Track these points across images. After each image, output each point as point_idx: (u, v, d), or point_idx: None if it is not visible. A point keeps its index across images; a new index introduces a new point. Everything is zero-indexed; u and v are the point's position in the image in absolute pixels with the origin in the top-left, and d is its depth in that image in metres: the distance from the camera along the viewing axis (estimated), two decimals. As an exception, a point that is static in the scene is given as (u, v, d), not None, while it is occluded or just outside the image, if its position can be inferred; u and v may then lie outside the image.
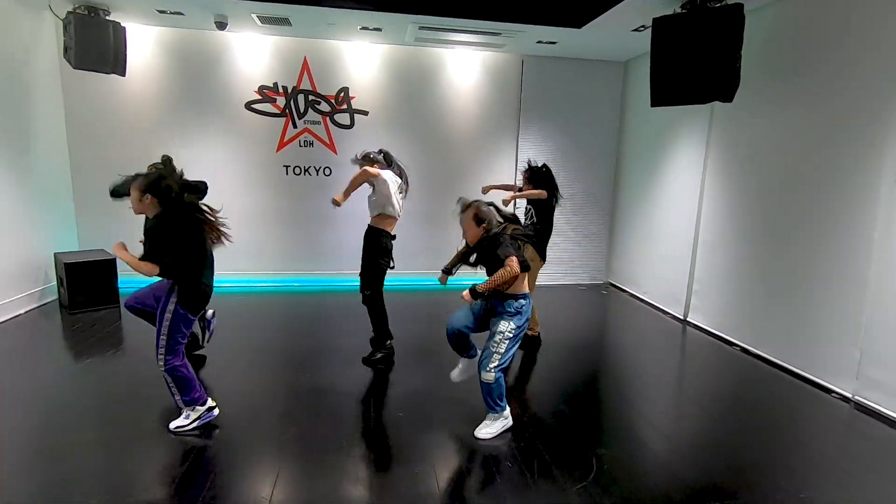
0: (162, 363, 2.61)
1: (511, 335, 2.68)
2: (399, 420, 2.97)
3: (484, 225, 2.76)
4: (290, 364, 3.75)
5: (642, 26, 4.81)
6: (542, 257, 4.15)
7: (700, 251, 4.92)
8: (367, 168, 3.60)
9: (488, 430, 2.77)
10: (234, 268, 5.91)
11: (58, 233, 5.26)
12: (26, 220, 4.77)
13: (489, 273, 2.76)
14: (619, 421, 3.10)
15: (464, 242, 2.97)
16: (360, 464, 2.52)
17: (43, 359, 3.79)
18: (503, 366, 2.67)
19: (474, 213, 2.77)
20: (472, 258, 2.90)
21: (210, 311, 3.33)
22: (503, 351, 2.66)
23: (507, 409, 2.82)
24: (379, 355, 3.75)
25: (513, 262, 2.56)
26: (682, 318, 5.13)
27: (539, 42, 5.47)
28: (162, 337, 2.60)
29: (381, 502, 2.24)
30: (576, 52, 5.91)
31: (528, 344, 4.10)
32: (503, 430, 2.80)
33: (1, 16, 4.40)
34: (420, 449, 2.67)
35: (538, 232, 4.11)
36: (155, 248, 2.49)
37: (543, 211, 4.15)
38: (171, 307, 2.61)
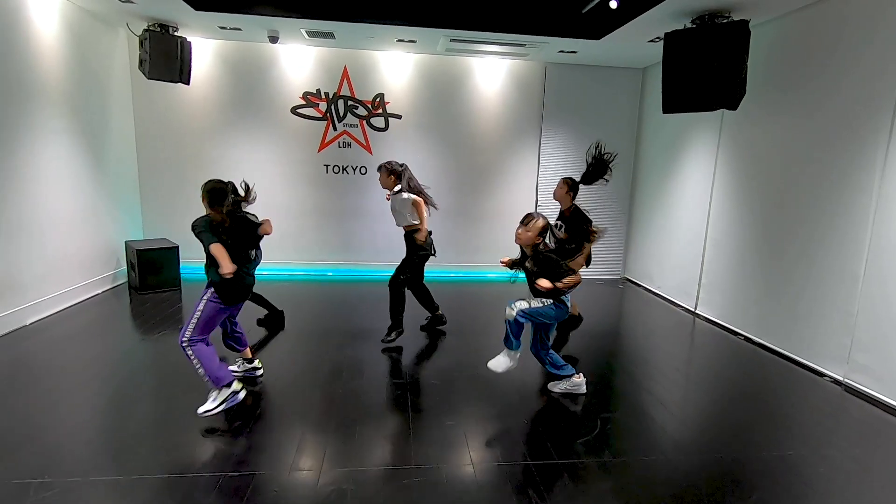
0: (186, 340, 2.86)
1: (543, 307, 3.14)
2: (433, 386, 3.45)
3: (543, 237, 3.17)
4: (332, 341, 4.27)
5: (657, 38, 5.17)
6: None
7: (709, 248, 5.25)
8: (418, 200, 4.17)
9: (497, 361, 3.26)
10: (277, 257, 6.50)
11: (126, 223, 5.93)
12: (101, 211, 5.43)
13: (540, 275, 3.10)
14: (626, 395, 3.49)
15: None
16: (399, 417, 3.01)
17: (120, 333, 4.40)
18: (526, 316, 3.14)
19: (544, 224, 3.13)
20: (528, 263, 3.22)
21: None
22: (536, 307, 3.13)
23: (517, 352, 3.27)
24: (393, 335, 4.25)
25: (579, 275, 3.08)
26: (692, 310, 5.47)
27: (561, 51, 5.88)
28: (194, 318, 2.90)
29: (419, 448, 2.72)
30: (596, 59, 6.29)
31: (571, 323, 4.59)
32: (508, 367, 3.26)
33: (83, 33, 5.06)
34: (451, 407, 3.14)
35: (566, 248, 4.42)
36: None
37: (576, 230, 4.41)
38: (207, 294, 2.97)
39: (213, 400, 2.89)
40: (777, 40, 4.40)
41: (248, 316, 4.42)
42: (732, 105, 4.19)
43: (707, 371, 4.07)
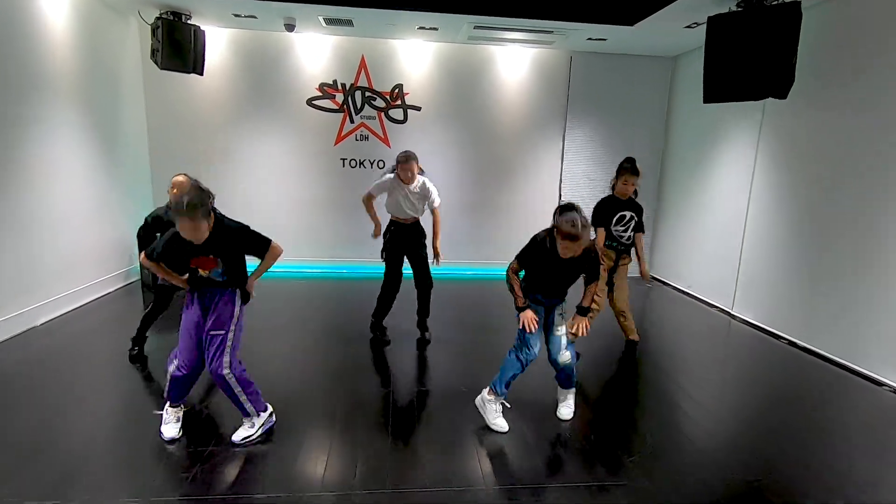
0: (228, 367, 2.50)
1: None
2: (462, 394, 3.24)
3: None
4: (345, 341, 4.07)
5: (695, 23, 4.88)
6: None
7: (747, 245, 4.98)
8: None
9: (570, 407, 2.96)
10: (290, 254, 6.31)
11: (139, 218, 5.74)
12: (113, 206, 5.26)
13: (564, 281, 2.81)
14: (656, 408, 3.26)
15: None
16: (427, 428, 2.80)
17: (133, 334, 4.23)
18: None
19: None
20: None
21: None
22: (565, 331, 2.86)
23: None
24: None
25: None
26: (728, 310, 5.21)
27: (589, 39, 5.61)
28: (229, 342, 2.52)
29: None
30: (625, 48, 6.00)
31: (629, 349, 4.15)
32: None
33: (94, 22, 4.86)
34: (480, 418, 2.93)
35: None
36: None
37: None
38: (237, 311, 2.60)
39: (253, 426, 2.62)
40: (829, 25, 4.11)
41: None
42: (782, 94, 3.91)
43: (748, 379, 3.81)
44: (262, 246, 2.64)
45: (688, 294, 5.95)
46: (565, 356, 2.79)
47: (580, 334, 2.79)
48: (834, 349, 3.99)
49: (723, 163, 5.41)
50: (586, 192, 6.57)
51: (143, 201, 5.86)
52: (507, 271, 2.79)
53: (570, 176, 6.53)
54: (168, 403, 2.65)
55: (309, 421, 2.84)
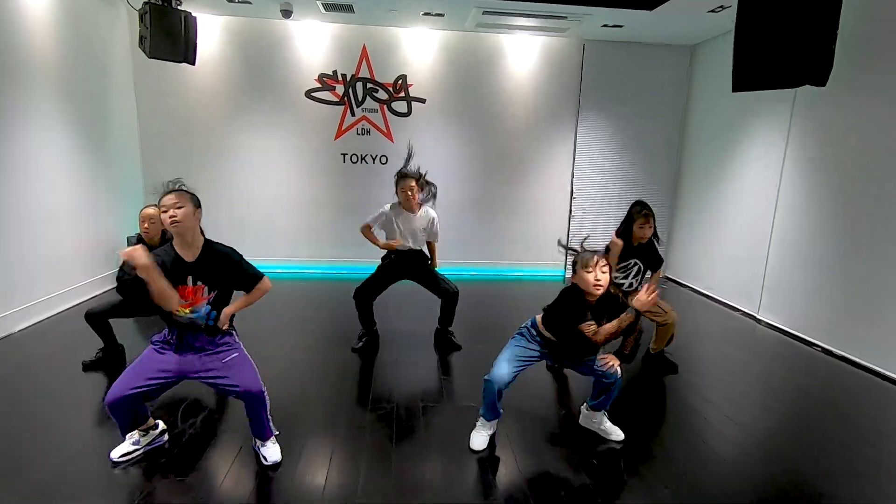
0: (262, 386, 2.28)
1: None
2: (469, 410, 2.94)
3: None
4: (347, 345, 3.76)
5: (720, 6, 4.55)
6: None
7: (775, 245, 4.66)
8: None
9: (614, 429, 2.66)
10: (289, 254, 6.02)
11: (128, 217, 5.46)
12: (100, 204, 4.97)
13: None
14: (679, 421, 2.96)
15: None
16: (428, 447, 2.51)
17: (122, 342, 3.94)
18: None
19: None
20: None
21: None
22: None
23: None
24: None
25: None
26: (753, 315, 4.89)
27: (604, 26, 5.28)
28: (253, 363, 2.33)
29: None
30: (642, 35, 5.68)
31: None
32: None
33: (78, 6, 4.57)
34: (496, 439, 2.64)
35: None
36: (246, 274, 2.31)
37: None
38: (238, 344, 2.35)
39: (274, 442, 2.37)
40: (869, 6, 3.78)
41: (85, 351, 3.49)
42: (820, 80, 3.58)
43: (780, 389, 3.50)
44: (252, 278, 2.30)
45: (707, 296, 5.63)
46: (614, 377, 2.51)
47: (610, 366, 2.49)
48: (871, 357, 3.67)
49: (748, 157, 5.09)
50: (598, 190, 6.26)
51: (133, 199, 5.57)
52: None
53: (582, 172, 6.21)
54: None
55: (308, 430, 2.64)
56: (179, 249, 2.17)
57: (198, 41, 5.01)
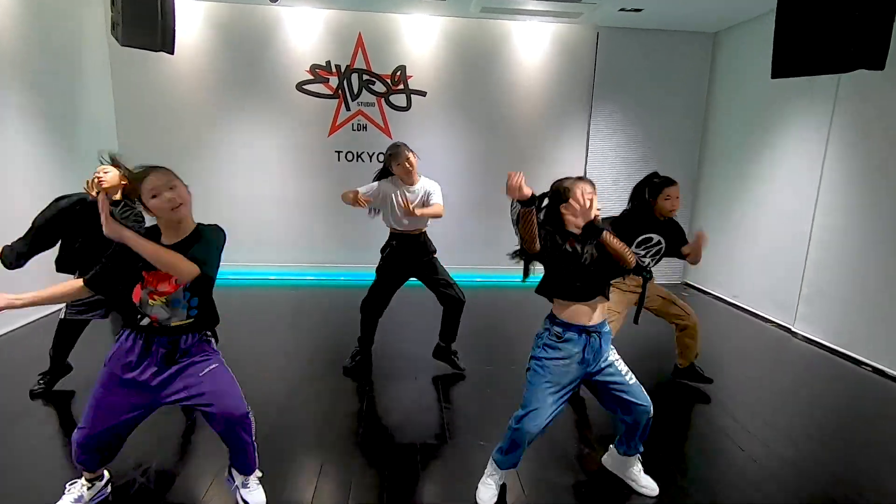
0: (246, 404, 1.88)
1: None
2: (480, 447, 2.51)
3: None
4: (343, 358, 3.35)
5: (752, -15, 4.10)
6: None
7: (814, 251, 4.20)
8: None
9: (648, 482, 2.19)
10: (281, 259, 5.61)
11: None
12: (74, 206, 4.56)
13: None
14: (708, 448, 2.52)
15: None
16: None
17: (97, 356, 3.53)
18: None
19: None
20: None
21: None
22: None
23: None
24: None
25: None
26: (787, 327, 4.44)
27: (622, 10, 4.83)
28: (236, 383, 1.89)
29: None
30: (661, 21, 5.22)
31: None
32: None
33: (48, -9, 4.17)
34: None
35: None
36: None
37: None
38: (217, 353, 1.91)
39: (258, 484, 1.99)
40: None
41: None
42: (877, 63, 3.11)
43: (821, 412, 3.04)
44: (197, 253, 1.70)
45: (733, 304, 5.17)
46: (647, 404, 2.03)
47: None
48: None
49: (781, 152, 4.63)
50: (613, 188, 5.81)
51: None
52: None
53: (595, 170, 5.77)
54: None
55: (296, 451, 2.39)
56: (163, 231, 1.77)
57: (176, 28, 4.61)
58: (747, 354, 4.01)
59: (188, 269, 1.63)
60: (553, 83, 5.59)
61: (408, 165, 3.02)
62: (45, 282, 1.98)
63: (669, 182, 3.05)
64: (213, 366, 1.84)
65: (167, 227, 1.76)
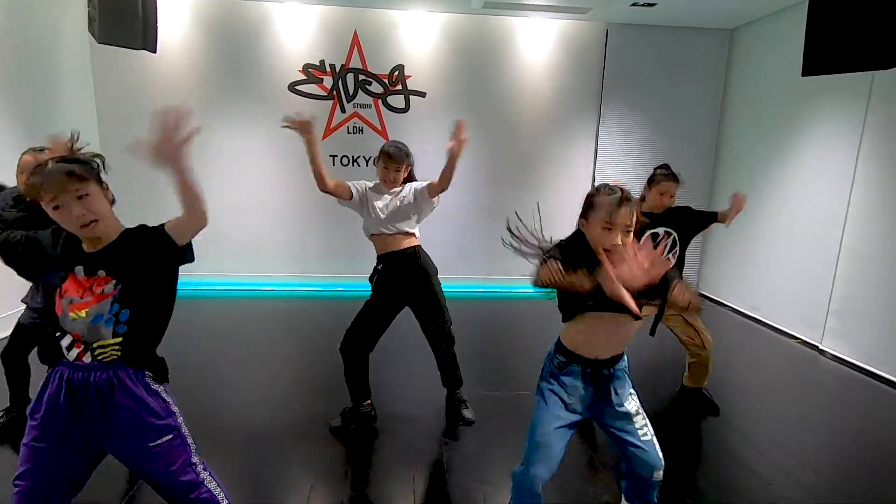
0: (202, 472, 1.53)
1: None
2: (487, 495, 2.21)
3: None
4: (337, 374, 3.05)
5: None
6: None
7: (844, 262, 3.90)
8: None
9: None
10: (273, 269, 5.32)
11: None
12: (51, 215, 4.28)
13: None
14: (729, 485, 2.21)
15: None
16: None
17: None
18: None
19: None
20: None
21: None
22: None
23: None
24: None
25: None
26: (815, 344, 4.12)
27: (634, 5, 4.54)
28: (188, 439, 1.51)
29: None
30: (675, 17, 4.93)
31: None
32: None
33: (22, -14, 3.90)
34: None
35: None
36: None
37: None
38: (168, 403, 1.50)
39: None
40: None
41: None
42: (921, 59, 2.85)
43: (853, 439, 2.73)
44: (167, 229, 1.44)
45: (752, 318, 4.86)
46: (658, 465, 1.73)
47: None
48: None
49: (806, 158, 4.32)
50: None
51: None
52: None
53: (604, 175, 5.47)
54: None
55: (286, 479, 2.19)
56: (84, 240, 1.42)
57: (159, 24, 4.33)
58: (768, 372, 3.71)
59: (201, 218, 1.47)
60: (560, 83, 5.29)
61: (390, 173, 2.55)
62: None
63: (669, 178, 2.75)
64: (167, 437, 1.45)
65: (88, 238, 1.42)
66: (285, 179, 5.21)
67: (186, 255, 1.48)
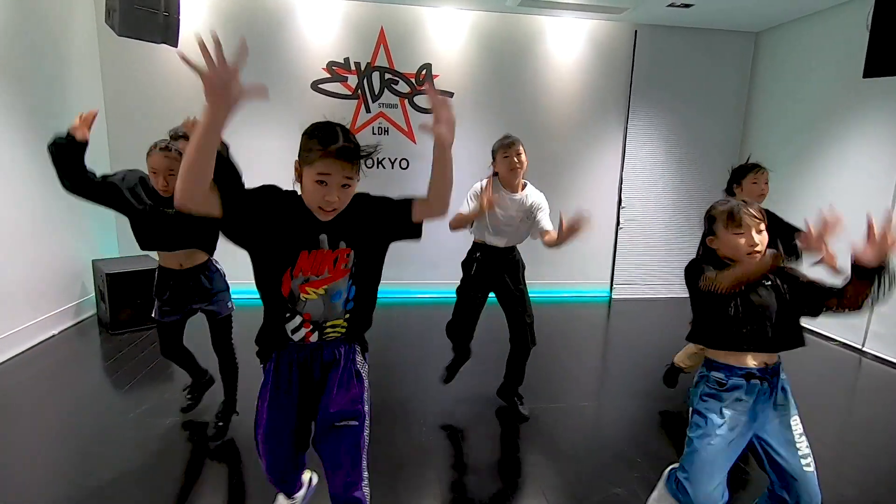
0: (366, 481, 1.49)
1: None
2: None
3: None
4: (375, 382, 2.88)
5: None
6: None
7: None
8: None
9: None
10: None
11: (95, 236, 4.46)
12: (58, 219, 3.96)
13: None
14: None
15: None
16: None
17: (86, 393, 2.97)
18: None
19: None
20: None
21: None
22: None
23: None
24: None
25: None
26: (857, 346, 4.14)
27: (671, 6, 4.49)
28: (365, 438, 1.48)
29: None
30: (706, 18, 4.91)
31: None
32: None
33: (30, -28, 3.59)
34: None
35: None
36: None
37: None
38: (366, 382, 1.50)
39: None
40: None
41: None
42: None
43: None
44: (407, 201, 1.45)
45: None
46: (815, 497, 1.59)
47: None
48: None
49: (839, 164, 4.35)
50: (650, 198, 5.48)
51: (99, 213, 4.55)
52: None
53: (632, 177, 5.43)
54: None
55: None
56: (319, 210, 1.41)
57: (181, 16, 4.07)
58: (805, 376, 3.68)
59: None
60: (588, 84, 5.22)
61: (516, 164, 2.56)
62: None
63: (756, 166, 2.68)
64: (366, 384, 1.52)
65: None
66: (307, 182, 4.98)
67: (418, 232, 1.46)
